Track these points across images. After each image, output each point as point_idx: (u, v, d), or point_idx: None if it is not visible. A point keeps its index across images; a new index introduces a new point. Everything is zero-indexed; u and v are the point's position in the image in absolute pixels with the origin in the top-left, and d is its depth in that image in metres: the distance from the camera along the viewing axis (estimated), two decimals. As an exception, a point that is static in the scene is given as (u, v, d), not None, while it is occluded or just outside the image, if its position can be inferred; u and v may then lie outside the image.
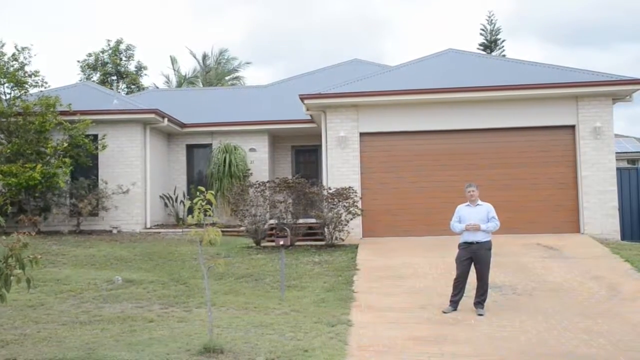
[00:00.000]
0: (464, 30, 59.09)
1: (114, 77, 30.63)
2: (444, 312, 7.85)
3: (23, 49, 15.69)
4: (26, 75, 15.71)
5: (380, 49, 60.80)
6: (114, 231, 15.76)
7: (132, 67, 31.88)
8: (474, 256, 7.93)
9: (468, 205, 8.19)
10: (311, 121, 16.62)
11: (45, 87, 16.07)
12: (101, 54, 30.94)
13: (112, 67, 30.77)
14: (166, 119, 16.64)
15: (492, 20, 37.30)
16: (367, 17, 62.83)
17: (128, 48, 31.49)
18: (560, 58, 63.37)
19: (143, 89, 30.66)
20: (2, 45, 15.83)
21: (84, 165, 15.63)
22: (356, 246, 13.03)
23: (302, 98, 14.57)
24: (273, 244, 13.10)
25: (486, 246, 7.95)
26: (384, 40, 63.91)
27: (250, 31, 60.21)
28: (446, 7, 59.68)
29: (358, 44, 59.62)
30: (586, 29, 62.56)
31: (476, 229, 7.87)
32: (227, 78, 35.64)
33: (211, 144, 18.32)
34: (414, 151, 14.58)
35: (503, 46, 37.27)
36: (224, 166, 17.01)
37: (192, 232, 6.03)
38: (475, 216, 7.99)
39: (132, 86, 31.11)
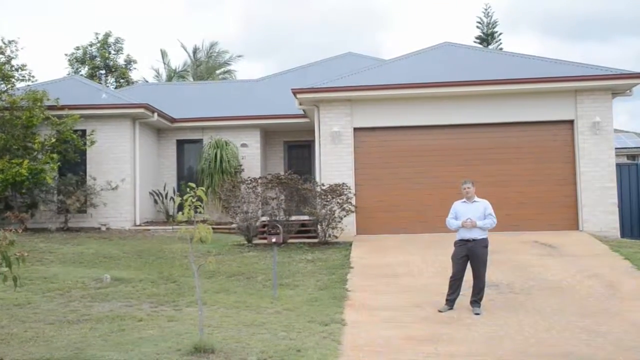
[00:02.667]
0: (461, 23, 59.08)
1: (103, 71, 30.28)
2: (440, 311, 7.77)
3: (10, 42, 15.51)
4: (13, 69, 15.52)
5: (376, 43, 60.66)
6: (103, 228, 15.58)
7: (121, 60, 31.55)
8: (471, 254, 7.85)
9: (464, 201, 8.11)
10: (304, 116, 16.47)
11: (32, 81, 15.93)
12: (89, 48, 30.57)
13: (100, 61, 30.42)
14: (156, 114, 16.44)
15: (488, 12, 37.22)
16: (363, 11, 62.61)
17: (117, 41, 31.14)
18: (561, 52, 63.05)
19: (132, 83, 30.31)
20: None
21: (72, 161, 15.44)
22: (350, 244, 12.92)
23: (295, 92, 14.40)
24: (265, 241, 12.98)
25: (483, 244, 7.86)
26: (380, 34, 63.76)
27: (243, 25, 59.96)
28: (444, 0, 59.45)
29: (354, 38, 59.45)
30: (588, 22, 62.27)
31: (472, 226, 7.76)
32: (218, 72, 35.40)
33: (202, 139, 18.13)
34: (409, 147, 14.43)
35: (500, 39, 37.19)
36: (215, 162, 16.83)
37: (182, 230, 5.94)
38: (471, 213, 7.90)
39: (121, 80, 30.78)
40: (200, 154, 17.74)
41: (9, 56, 15.41)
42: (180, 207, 5.88)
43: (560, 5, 58.07)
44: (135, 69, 32.68)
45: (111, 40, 30.95)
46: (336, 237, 13.24)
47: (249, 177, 14.03)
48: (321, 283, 9.62)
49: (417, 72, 15.31)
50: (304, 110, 15.65)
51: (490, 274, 8.80)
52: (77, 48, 30.58)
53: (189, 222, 5.97)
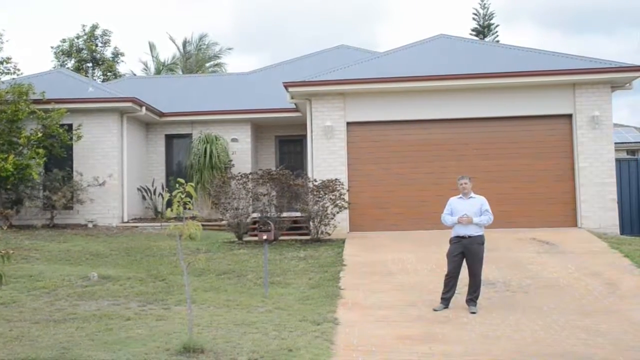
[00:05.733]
0: (458, 15, 58.83)
1: (90, 64, 29.96)
2: (435, 310, 7.67)
3: (-6, 34, 15.25)
4: (-3, 62, 15.30)
5: (372, 35, 60.42)
6: (90, 225, 15.39)
7: (108, 53, 31.21)
8: (466, 251, 7.74)
9: (461, 197, 7.99)
10: (296, 110, 16.30)
11: (17, 75, 15.92)
12: (76, 40, 30.19)
13: (87, 54, 30.05)
14: (144, 108, 16.23)
15: (485, 4, 37.06)
16: (359, 4, 62.30)
17: (104, 33, 30.77)
18: (561, 46, 62.42)
19: (120, 76, 30.00)
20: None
21: (58, 156, 15.29)
22: (343, 241, 12.83)
23: (287, 86, 14.22)
24: (256, 238, 12.85)
25: (479, 241, 7.76)
26: (376, 26, 63.51)
27: (235, 17, 59.57)
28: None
29: (349, 31, 59.18)
30: (589, 14, 61.85)
31: (469, 222, 7.64)
32: (207, 65, 35.14)
33: (191, 134, 17.92)
34: (404, 141, 14.28)
35: (496, 31, 37.07)
36: (205, 157, 16.64)
37: (171, 226, 5.88)
38: (468, 209, 7.79)
39: (109, 73, 30.43)
40: (189, 149, 17.53)
41: (-6, 49, 15.22)
42: (169, 204, 5.81)
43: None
44: (123, 62, 32.36)
45: (98, 32, 30.60)
46: (329, 234, 13.12)
47: (239, 173, 13.87)
48: (313, 281, 9.51)
49: (412, 65, 15.17)
50: (295, 104, 15.47)
51: (487, 272, 8.77)
52: (64, 40, 30.20)
53: (178, 218, 5.97)
